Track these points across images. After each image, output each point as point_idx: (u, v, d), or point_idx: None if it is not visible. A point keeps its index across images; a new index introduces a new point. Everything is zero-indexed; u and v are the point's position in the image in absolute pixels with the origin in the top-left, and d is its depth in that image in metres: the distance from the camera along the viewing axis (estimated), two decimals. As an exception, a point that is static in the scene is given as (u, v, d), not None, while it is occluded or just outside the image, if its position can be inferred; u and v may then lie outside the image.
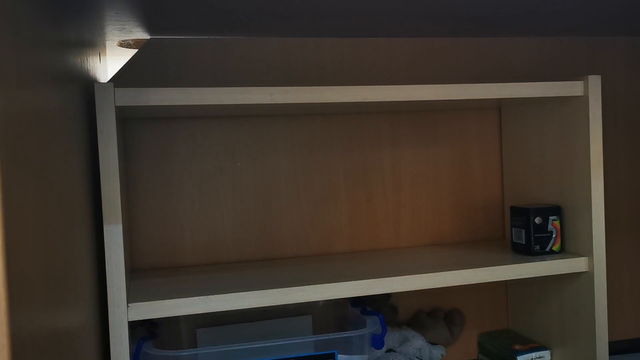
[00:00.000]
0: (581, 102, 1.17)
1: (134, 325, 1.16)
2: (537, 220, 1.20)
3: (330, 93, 1.03)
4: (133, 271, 1.24)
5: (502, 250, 1.29)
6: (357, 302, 1.22)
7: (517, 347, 1.31)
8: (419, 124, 1.40)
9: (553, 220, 1.21)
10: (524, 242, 1.21)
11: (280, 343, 1.02)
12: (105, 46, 1.30)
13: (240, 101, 0.99)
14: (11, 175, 0.49)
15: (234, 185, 1.29)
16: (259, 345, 1.02)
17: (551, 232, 1.21)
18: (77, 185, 0.83)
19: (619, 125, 1.52)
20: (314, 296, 1.03)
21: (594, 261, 1.16)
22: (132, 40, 1.24)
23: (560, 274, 1.22)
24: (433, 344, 1.33)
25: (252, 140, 1.30)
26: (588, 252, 1.17)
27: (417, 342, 1.27)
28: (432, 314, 1.40)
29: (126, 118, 1.23)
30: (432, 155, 1.41)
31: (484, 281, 1.11)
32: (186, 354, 0.99)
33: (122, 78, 1.23)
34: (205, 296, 0.98)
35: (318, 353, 1.04)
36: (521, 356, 1.28)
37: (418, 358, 1.27)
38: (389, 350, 1.27)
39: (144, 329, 1.14)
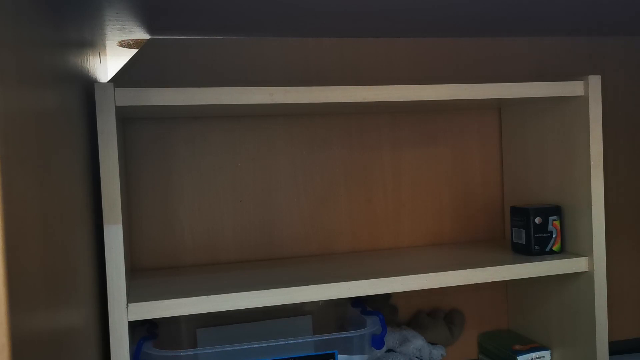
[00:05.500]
0: (581, 102, 1.17)
1: (134, 325, 1.16)
2: (537, 220, 1.20)
3: (330, 93, 1.03)
4: (133, 271, 1.24)
5: (502, 250, 1.29)
6: (357, 302, 1.22)
7: (517, 347, 1.31)
8: (419, 124, 1.40)
9: (553, 220, 1.21)
10: (524, 242, 1.21)
11: (280, 343, 1.02)
12: (105, 46, 1.30)
13: (240, 101, 0.99)
14: (11, 176, 0.49)
15: (234, 185, 1.29)
16: (259, 345, 1.02)
17: (551, 232, 1.21)
18: (77, 185, 0.83)
19: (619, 125, 1.52)
20: (314, 296, 1.03)
21: (594, 261, 1.16)
22: (132, 40, 1.24)
23: (560, 274, 1.22)
24: (433, 344, 1.33)
25: (252, 140, 1.30)
26: (588, 252, 1.17)
27: (417, 342, 1.27)
28: (432, 314, 1.40)
29: (126, 118, 1.23)
30: (432, 155, 1.41)
31: (484, 281, 1.11)
32: (186, 354, 0.99)
33: (122, 78, 1.23)
34: (205, 296, 0.98)
35: (318, 353, 1.04)
36: (521, 356, 1.28)
37: (418, 358, 1.27)
38: (389, 350, 1.27)
39: (144, 329, 1.14)
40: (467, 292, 1.44)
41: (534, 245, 1.20)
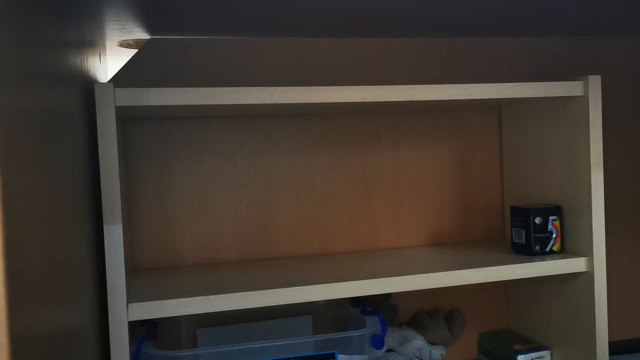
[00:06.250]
0: (581, 102, 1.17)
1: (134, 325, 1.16)
2: (537, 220, 1.20)
3: (330, 93, 1.03)
4: (133, 271, 1.24)
5: (502, 250, 1.29)
6: (357, 302, 1.22)
7: (517, 347, 1.31)
8: (419, 124, 1.40)
9: (553, 220, 1.21)
10: (524, 242, 1.21)
11: (280, 343, 1.02)
12: (105, 46, 1.30)
13: (240, 101, 0.99)
14: (11, 175, 0.49)
15: (234, 185, 1.29)
16: (259, 345, 1.02)
17: (551, 232, 1.21)
18: (77, 185, 0.83)
19: (619, 125, 1.52)
20: (314, 296, 1.03)
21: (594, 261, 1.16)
22: (132, 40, 1.24)
23: (560, 274, 1.22)
24: (433, 344, 1.33)
25: (252, 140, 1.30)
26: (588, 252, 1.17)
27: (417, 342, 1.27)
28: (432, 314, 1.40)
29: (126, 118, 1.23)
30: (432, 155, 1.41)
31: (484, 281, 1.11)
32: (186, 354, 0.99)
33: (122, 78, 1.23)
34: (205, 296, 0.98)
35: (318, 353, 1.04)
36: (521, 356, 1.28)
37: (418, 358, 1.27)
38: (389, 350, 1.27)
39: (144, 329, 1.14)
40: (467, 292, 1.44)
41: (534, 245, 1.20)
